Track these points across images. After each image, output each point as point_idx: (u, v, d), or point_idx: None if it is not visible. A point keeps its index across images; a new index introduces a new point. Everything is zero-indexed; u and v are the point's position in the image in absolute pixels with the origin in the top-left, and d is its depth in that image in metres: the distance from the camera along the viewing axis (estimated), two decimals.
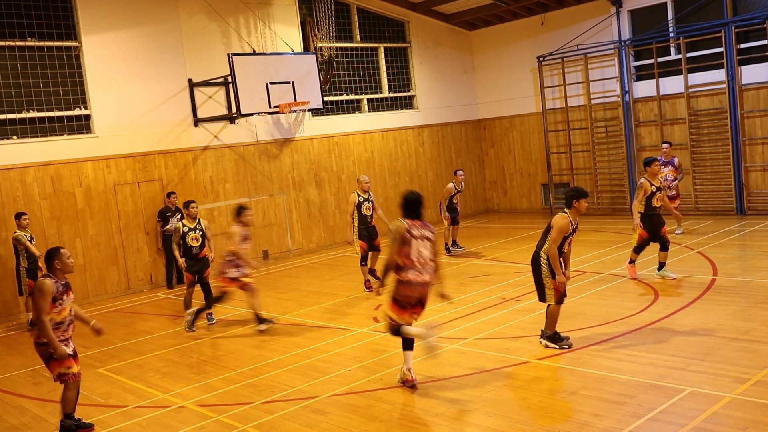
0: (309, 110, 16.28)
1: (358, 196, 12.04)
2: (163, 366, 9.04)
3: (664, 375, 6.83)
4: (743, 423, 5.65)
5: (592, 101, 18.25)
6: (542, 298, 8.02)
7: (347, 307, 11.16)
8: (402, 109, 19.32)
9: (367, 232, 11.99)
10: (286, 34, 16.64)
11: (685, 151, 16.71)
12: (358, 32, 18.37)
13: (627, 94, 17.47)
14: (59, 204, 13.40)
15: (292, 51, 16.32)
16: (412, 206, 7.10)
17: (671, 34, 16.72)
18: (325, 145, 17.49)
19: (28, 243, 11.70)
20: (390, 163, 18.82)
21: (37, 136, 13.27)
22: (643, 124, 17.40)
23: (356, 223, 11.98)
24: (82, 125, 13.86)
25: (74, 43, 13.75)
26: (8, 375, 9.38)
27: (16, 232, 11.85)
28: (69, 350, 6.81)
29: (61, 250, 6.94)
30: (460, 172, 14.87)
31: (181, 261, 10.91)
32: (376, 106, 18.78)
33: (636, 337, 8.13)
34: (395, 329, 7.14)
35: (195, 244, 10.82)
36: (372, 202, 12.16)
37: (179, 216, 14.00)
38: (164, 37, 14.81)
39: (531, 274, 8.11)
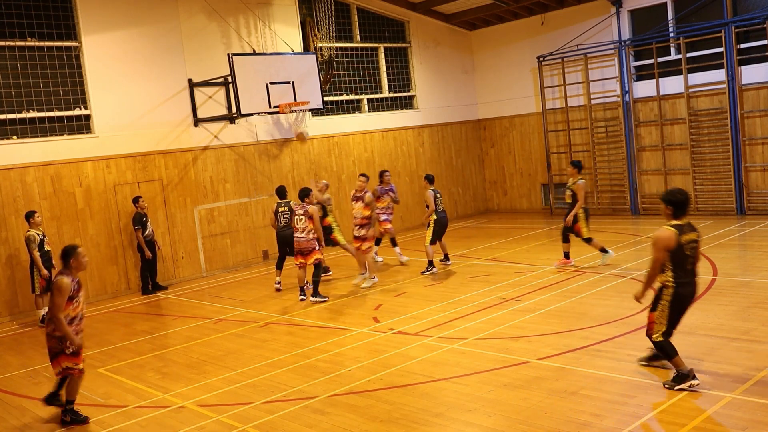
0: (309, 110, 16.29)
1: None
2: (163, 366, 9.04)
3: (664, 375, 6.83)
4: (743, 423, 5.66)
5: (592, 101, 18.25)
6: None
7: (347, 307, 11.16)
8: (402, 109, 19.32)
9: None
10: (286, 34, 16.64)
11: (685, 151, 16.71)
12: (358, 32, 18.37)
13: (627, 94, 17.47)
14: (59, 204, 13.41)
15: (292, 51, 16.32)
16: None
17: (671, 34, 16.72)
18: (325, 145, 17.49)
19: (34, 248, 11.75)
20: (390, 163, 18.81)
21: (37, 136, 13.27)
22: (643, 124, 17.40)
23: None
24: (82, 125, 13.86)
25: (74, 43, 13.75)
26: (8, 375, 9.38)
27: (28, 231, 11.90)
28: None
29: (78, 249, 7.17)
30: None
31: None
32: (376, 106, 18.78)
33: (636, 337, 8.13)
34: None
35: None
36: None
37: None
38: (164, 37, 14.81)
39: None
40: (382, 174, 14.13)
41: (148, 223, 13.74)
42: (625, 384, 6.74)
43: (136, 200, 13.71)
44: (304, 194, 11.78)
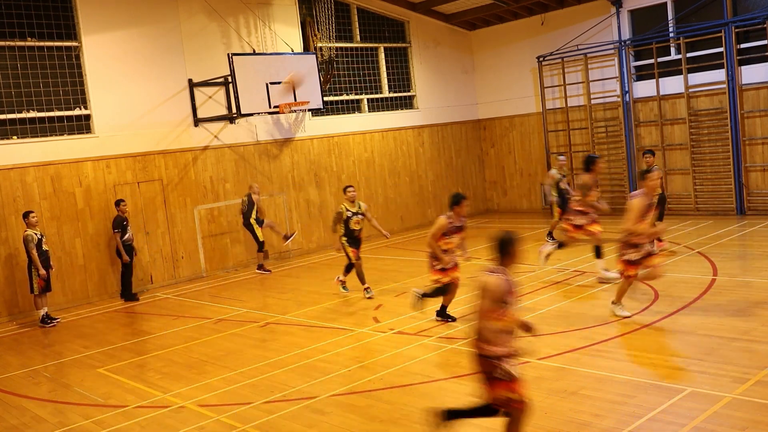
0: (309, 110, 16.29)
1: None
2: (163, 366, 9.04)
3: (664, 375, 6.83)
4: (743, 423, 5.66)
5: (592, 101, 18.25)
6: None
7: (347, 307, 11.16)
8: (402, 109, 19.31)
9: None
10: (286, 34, 16.64)
11: (685, 151, 16.71)
12: (358, 32, 18.37)
13: (627, 94, 17.47)
14: (59, 204, 13.40)
15: (292, 51, 16.32)
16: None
17: (671, 34, 16.73)
18: (325, 145, 17.49)
19: (33, 247, 11.75)
20: (390, 163, 18.82)
21: (37, 136, 13.27)
22: (643, 124, 17.40)
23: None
24: (82, 125, 13.86)
25: (74, 43, 13.75)
26: (8, 375, 9.37)
27: (26, 231, 11.91)
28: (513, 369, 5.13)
29: (513, 236, 5.17)
30: (561, 158, 15.00)
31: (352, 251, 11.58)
32: (376, 106, 18.78)
33: (636, 337, 8.13)
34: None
35: (357, 227, 11.57)
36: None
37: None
38: (164, 37, 14.81)
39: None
40: (592, 161, 11.10)
41: (129, 228, 13.47)
42: (625, 384, 6.74)
43: (118, 203, 13.42)
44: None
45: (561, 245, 11.65)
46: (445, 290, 9.44)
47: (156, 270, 14.62)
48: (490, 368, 5.07)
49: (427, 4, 19.15)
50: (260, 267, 15.04)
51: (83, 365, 9.48)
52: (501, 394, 5.05)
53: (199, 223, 15.27)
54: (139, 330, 11.25)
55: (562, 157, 15.07)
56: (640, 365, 7.18)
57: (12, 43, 13.05)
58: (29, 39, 13.27)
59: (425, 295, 9.54)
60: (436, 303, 9.67)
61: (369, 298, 11.50)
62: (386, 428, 6.35)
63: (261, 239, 14.86)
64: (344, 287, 12.12)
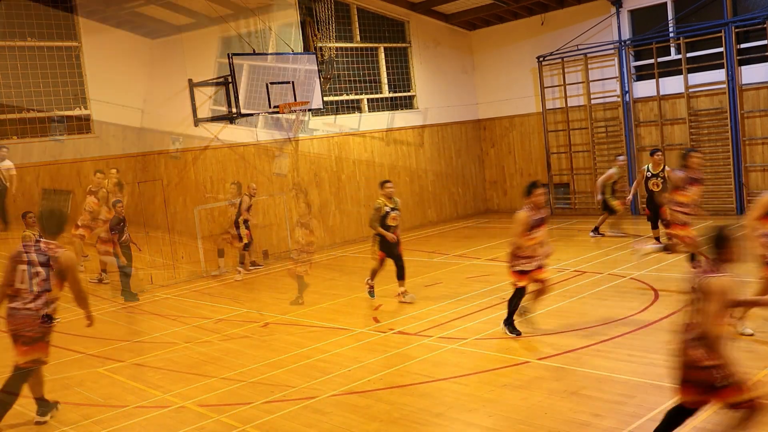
0: (309, 110, 16.29)
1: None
2: (163, 366, 9.04)
3: (664, 375, 6.82)
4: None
5: (592, 101, 18.25)
6: None
7: (347, 307, 11.16)
8: (402, 109, 19.32)
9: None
10: (286, 34, 16.64)
11: None
12: (358, 32, 18.37)
13: (627, 94, 17.47)
14: (59, 204, 13.39)
15: (292, 51, 16.33)
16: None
17: (671, 34, 16.73)
18: (325, 145, 17.49)
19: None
20: (390, 163, 18.82)
21: (37, 136, 13.28)
22: (643, 124, 17.40)
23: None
24: (82, 125, 13.86)
25: (74, 43, 13.76)
26: (8, 375, 9.36)
27: (24, 232, 11.91)
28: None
29: (730, 230, 4.66)
30: (620, 158, 15.43)
31: (391, 236, 11.12)
32: (376, 106, 18.78)
33: (636, 337, 8.13)
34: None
35: (393, 223, 11.25)
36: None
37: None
38: (164, 37, 14.81)
39: None
40: (683, 156, 10.00)
41: (126, 228, 13.27)
42: (625, 384, 6.74)
43: (115, 204, 13.10)
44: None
45: (667, 249, 10.58)
46: (521, 294, 8.53)
47: (156, 270, 14.61)
48: (711, 379, 4.76)
49: (427, 4, 19.15)
50: (242, 263, 14.76)
51: (83, 365, 9.47)
52: (734, 399, 4.79)
53: (199, 223, 15.26)
54: (139, 330, 11.25)
55: (621, 157, 15.42)
56: (640, 365, 7.17)
57: (12, 43, 13.05)
58: (29, 39, 13.28)
59: (508, 322, 8.70)
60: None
61: (370, 295, 11.46)
62: (386, 428, 6.35)
63: (244, 241, 14.61)
64: (406, 297, 11.05)
